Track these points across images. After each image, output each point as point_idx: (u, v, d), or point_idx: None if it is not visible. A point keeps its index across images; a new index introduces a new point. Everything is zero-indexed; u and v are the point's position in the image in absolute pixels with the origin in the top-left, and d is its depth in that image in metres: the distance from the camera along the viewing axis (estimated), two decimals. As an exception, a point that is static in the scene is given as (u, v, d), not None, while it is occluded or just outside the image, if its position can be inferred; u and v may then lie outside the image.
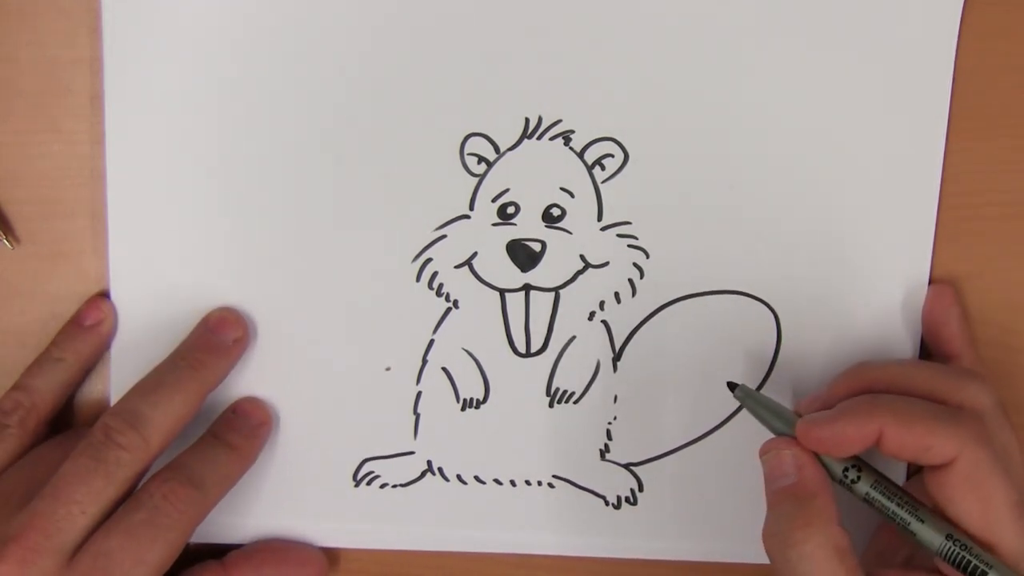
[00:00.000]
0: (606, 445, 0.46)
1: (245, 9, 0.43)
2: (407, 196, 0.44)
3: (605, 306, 0.45)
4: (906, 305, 0.45)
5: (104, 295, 0.45)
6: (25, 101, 0.44)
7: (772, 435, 0.41)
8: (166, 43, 0.43)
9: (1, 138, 0.44)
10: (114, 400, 0.44)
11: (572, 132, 0.44)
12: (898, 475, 0.45)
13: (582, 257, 0.45)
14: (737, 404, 0.45)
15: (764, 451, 0.40)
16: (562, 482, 0.46)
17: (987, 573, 0.37)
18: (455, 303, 0.45)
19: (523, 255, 0.45)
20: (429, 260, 0.45)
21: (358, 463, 0.46)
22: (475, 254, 0.45)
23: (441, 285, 0.45)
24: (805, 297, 0.45)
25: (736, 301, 0.45)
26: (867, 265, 0.45)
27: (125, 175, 0.44)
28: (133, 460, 0.39)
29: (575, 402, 0.46)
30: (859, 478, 0.39)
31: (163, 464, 0.41)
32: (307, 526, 0.46)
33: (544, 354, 0.45)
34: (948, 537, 0.37)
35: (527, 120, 0.44)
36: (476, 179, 0.44)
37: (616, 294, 0.45)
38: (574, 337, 0.45)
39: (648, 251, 0.45)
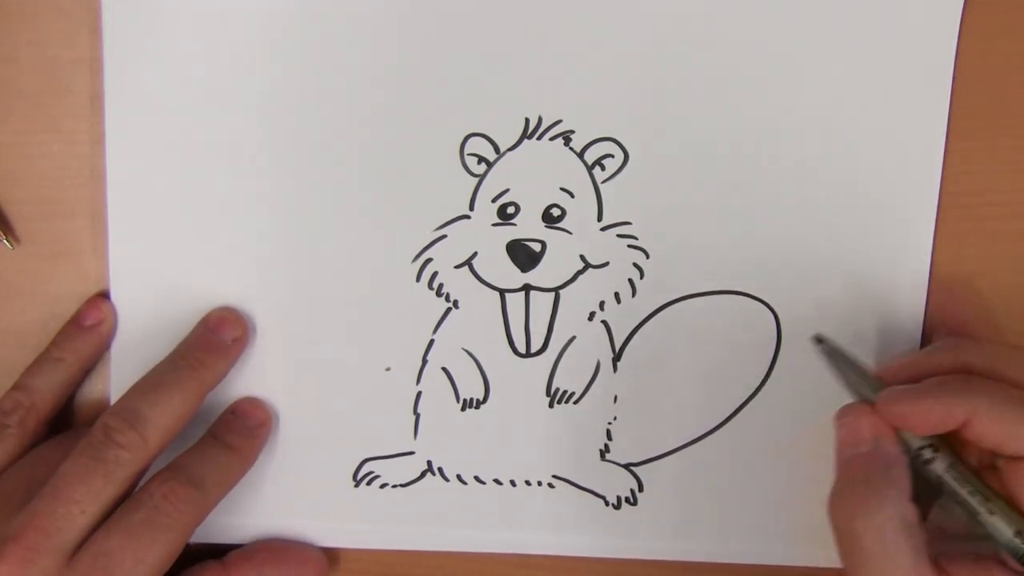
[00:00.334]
0: (606, 445, 0.46)
1: (245, 9, 0.43)
2: (407, 196, 0.44)
3: (605, 306, 0.45)
4: (906, 305, 0.45)
5: (104, 295, 0.45)
6: (25, 101, 0.44)
7: (843, 402, 0.40)
8: (166, 43, 0.43)
9: (1, 138, 0.44)
10: (114, 400, 0.44)
11: (572, 132, 0.44)
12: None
13: (582, 257, 0.45)
14: (737, 405, 0.45)
15: (841, 415, 0.40)
16: (562, 482, 0.46)
17: None
18: (455, 303, 0.45)
19: (523, 255, 0.45)
20: (429, 260, 0.45)
21: (358, 463, 0.46)
22: (475, 254, 0.45)
23: (441, 285, 0.45)
24: (805, 297, 0.45)
25: (736, 301, 0.45)
26: (867, 265, 0.45)
27: (125, 175, 0.44)
28: (133, 459, 0.39)
29: (575, 402, 0.45)
30: (934, 459, 0.38)
31: (163, 465, 0.41)
32: (307, 526, 0.46)
33: (544, 354, 0.45)
34: (1018, 533, 0.37)
35: (527, 120, 0.44)
36: (476, 179, 0.44)
37: (616, 294, 0.45)
38: (574, 337, 0.45)
39: (648, 251, 0.45)
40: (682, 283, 0.45)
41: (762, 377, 0.45)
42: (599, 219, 0.44)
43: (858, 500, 0.37)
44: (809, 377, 0.45)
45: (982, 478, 0.38)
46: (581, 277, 0.45)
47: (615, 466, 0.46)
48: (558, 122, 0.44)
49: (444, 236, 0.44)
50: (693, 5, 0.43)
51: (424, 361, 0.45)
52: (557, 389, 0.45)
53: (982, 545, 0.39)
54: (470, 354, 0.45)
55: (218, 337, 0.43)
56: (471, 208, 0.44)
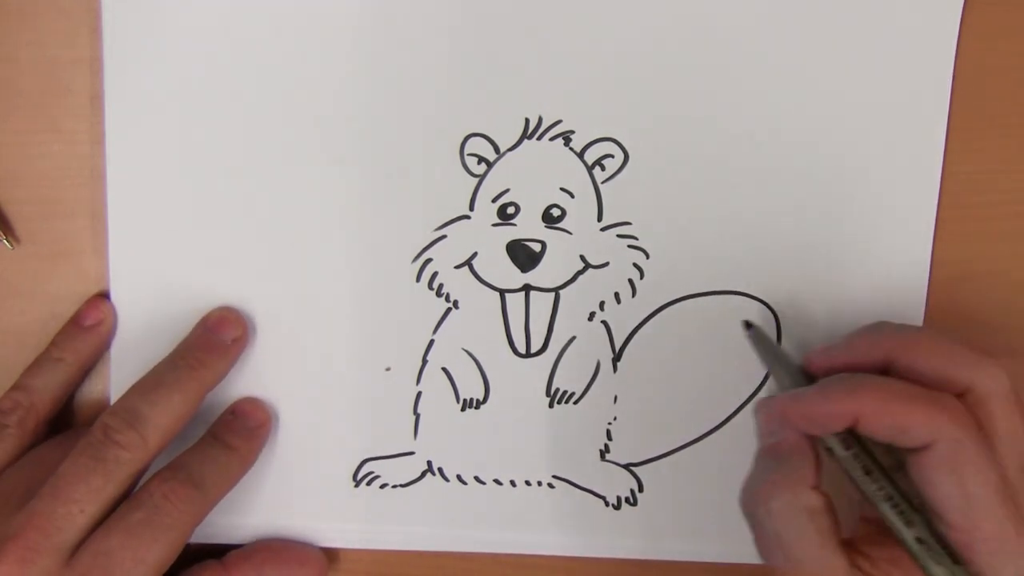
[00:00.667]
0: (606, 445, 0.46)
1: (245, 9, 0.43)
2: (407, 196, 0.44)
3: (605, 306, 0.45)
4: (906, 305, 0.45)
5: (104, 295, 0.45)
6: (25, 101, 0.44)
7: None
8: (166, 43, 0.43)
9: (1, 138, 0.44)
10: (114, 400, 0.44)
11: (572, 132, 0.44)
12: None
13: (582, 257, 0.45)
14: (737, 405, 0.45)
15: (756, 407, 0.41)
16: (562, 482, 0.46)
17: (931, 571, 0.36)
18: (455, 303, 0.45)
19: (523, 255, 0.45)
20: (429, 260, 0.45)
21: (358, 463, 0.46)
22: (475, 254, 0.45)
23: (441, 285, 0.45)
24: (805, 297, 0.45)
25: (736, 301, 0.45)
26: (867, 265, 0.45)
27: (125, 175, 0.44)
28: (132, 459, 0.39)
29: (575, 402, 0.45)
30: (838, 453, 0.39)
31: (162, 465, 0.41)
32: (307, 526, 0.46)
33: (544, 354, 0.45)
34: (907, 523, 0.37)
35: (527, 120, 0.44)
36: (476, 179, 0.44)
37: (616, 294, 0.45)
38: (574, 337, 0.45)
39: (648, 251, 0.45)
40: (682, 283, 0.45)
41: (762, 377, 0.45)
42: (599, 219, 0.44)
43: (759, 488, 0.38)
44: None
45: (885, 472, 0.39)
46: (581, 277, 0.45)
47: (615, 466, 0.46)
48: (558, 122, 0.44)
49: (444, 236, 0.44)
50: (693, 5, 0.43)
51: (424, 361, 0.45)
52: (557, 389, 0.45)
53: None
54: (470, 354, 0.45)
55: (218, 337, 0.43)
56: (471, 208, 0.44)
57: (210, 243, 0.44)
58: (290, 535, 0.46)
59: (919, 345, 0.39)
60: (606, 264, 0.45)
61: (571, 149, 0.44)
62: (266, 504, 0.45)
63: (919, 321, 0.45)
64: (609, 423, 0.46)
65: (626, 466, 0.46)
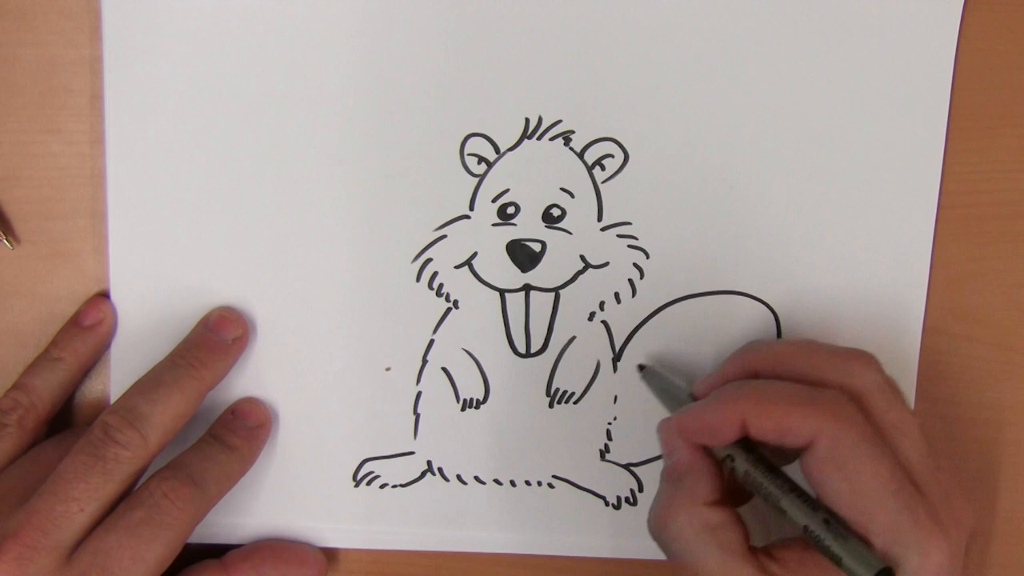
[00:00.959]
0: (606, 445, 0.46)
1: (245, 9, 0.43)
2: (407, 196, 0.44)
3: (605, 306, 0.45)
4: (906, 305, 0.45)
5: (104, 295, 0.45)
6: (25, 101, 0.44)
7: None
8: (166, 43, 0.43)
9: (1, 138, 0.44)
10: (114, 400, 0.44)
11: (572, 132, 0.44)
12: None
13: (582, 257, 0.45)
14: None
15: (657, 429, 0.42)
16: (562, 482, 0.46)
17: (840, 559, 0.36)
18: (455, 303, 0.45)
19: (523, 255, 0.45)
20: (429, 260, 0.45)
21: (358, 463, 0.46)
22: (475, 254, 0.45)
23: (441, 285, 0.45)
24: (805, 297, 0.45)
25: (736, 301, 0.45)
26: (867, 265, 0.45)
27: (125, 175, 0.44)
28: (132, 458, 0.39)
29: (575, 402, 0.45)
30: (734, 466, 0.39)
31: (162, 464, 0.41)
32: (307, 526, 0.46)
33: (544, 354, 0.45)
34: (805, 528, 0.37)
35: (527, 120, 0.44)
36: (476, 179, 0.44)
37: (616, 294, 0.45)
38: (574, 337, 0.45)
39: (648, 251, 0.45)
40: (682, 283, 0.45)
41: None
42: (599, 219, 0.44)
43: (659, 509, 0.40)
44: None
45: (781, 477, 0.39)
46: (581, 277, 0.45)
47: (615, 466, 0.46)
48: (558, 122, 0.44)
49: (444, 236, 0.44)
50: (693, 6, 0.43)
51: (424, 361, 0.45)
52: (557, 389, 0.45)
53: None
54: (470, 354, 0.45)
55: (218, 337, 0.43)
56: (471, 208, 0.44)
57: (210, 243, 0.44)
58: (290, 535, 0.46)
59: (782, 356, 0.41)
60: (606, 264, 0.45)
61: (571, 149, 0.44)
62: (266, 504, 0.45)
63: (919, 320, 0.45)
64: (609, 423, 0.46)
65: (626, 466, 0.46)
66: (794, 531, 0.38)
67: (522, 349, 0.45)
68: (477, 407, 0.45)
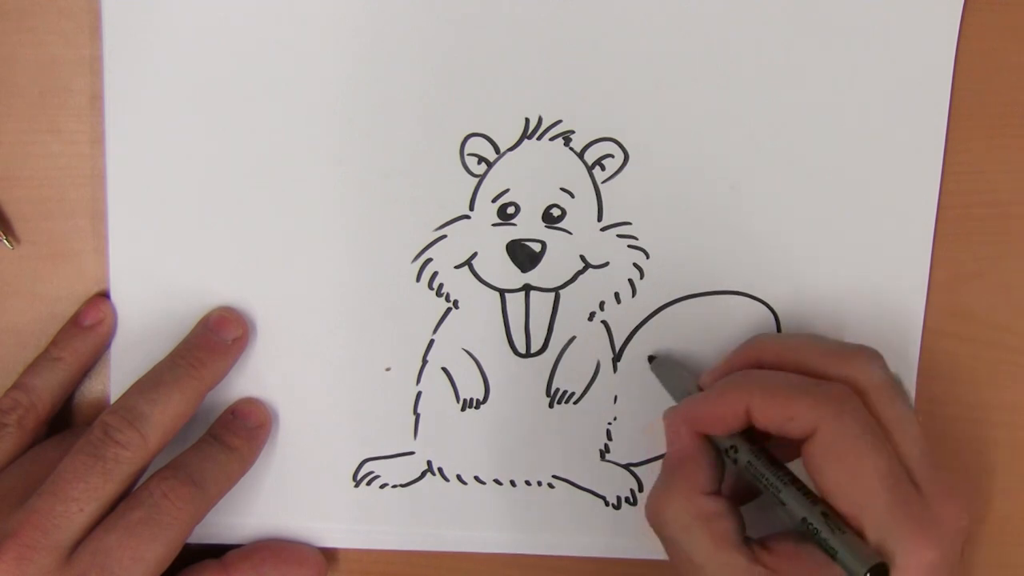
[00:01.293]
0: (606, 445, 0.46)
1: (245, 9, 0.43)
2: (407, 196, 0.44)
3: (605, 306, 0.45)
4: (906, 305, 0.45)
5: (104, 295, 0.45)
6: (25, 101, 0.44)
7: None
8: (166, 43, 0.43)
9: (1, 138, 0.44)
10: (114, 400, 0.44)
11: (572, 132, 0.44)
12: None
13: (582, 257, 0.45)
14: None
15: (663, 417, 0.42)
16: (562, 482, 0.46)
17: (836, 552, 0.36)
18: (455, 303, 0.45)
19: (523, 255, 0.45)
20: (429, 260, 0.45)
21: (358, 463, 0.46)
22: (475, 254, 0.45)
23: (441, 285, 0.45)
24: (805, 297, 0.45)
25: (736, 301, 0.45)
26: (867, 265, 0.45)
27: (125, 175, 0.44)
28: (132, 458, 0.39)
29: (575, 402, 0.45)
30: (736, 457, 0.40)
31: (162, 464, 0.41)
32: (307, 526, 0.46)
33: (544, 354, 0.45)
34: (803, 520, 0.37)
35: (527, 120, 0.44)
36: (476, 179, 0.44)
37: (616, 294, 0.45)
38: (574, 337, 0.45)
39: (648, 251, 0.45)
40: (682, 283, 0.45)
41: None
42: (599, 219, 0.44)
43: (656, 495, 0.40)
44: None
45: (783, 469, 0.39)
46: (581, 277, 0.45)
47: (615, 466, 0.46)
48: (558, 122, 0.44)
49: (444, 236, 0.44)
50: (693, 6, 0.43)
51: (424, 361, 0.45)
52: (557, 389, 0.45)
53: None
54: (470, 354, 0.45)
55: (218, 337, 0.43)
56: (471, 208, 0.44)
57: (210, 243, 0.44)
58: (289, 535, 0.46)
59: (787, 349, 0.41)
60: (606, 264, 0.45)
61: (571, 149, 0.44)
62: (266, 504, 0.45)
63: (919, 320, 0.45)
64: (609, 423, 0.46)
65: (626, 466, 0.46)
66: (793, 526, 0.38)
67: (522, 349, 0.45)
68: (477, 407, 0.45)
